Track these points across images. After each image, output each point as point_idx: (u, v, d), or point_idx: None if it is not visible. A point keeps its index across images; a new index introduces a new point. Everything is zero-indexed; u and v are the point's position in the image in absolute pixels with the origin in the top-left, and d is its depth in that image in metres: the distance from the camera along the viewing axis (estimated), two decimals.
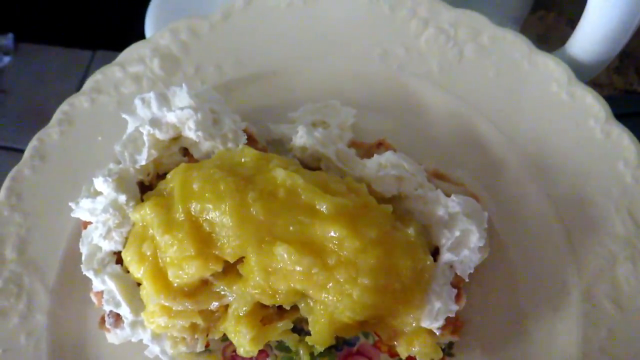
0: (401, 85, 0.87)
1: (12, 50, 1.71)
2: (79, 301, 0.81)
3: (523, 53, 0.82)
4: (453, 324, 0.69)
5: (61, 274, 0.82)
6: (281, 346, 0.75)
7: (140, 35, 1.05)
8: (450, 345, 0.73)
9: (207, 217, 0.67)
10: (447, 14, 0.87)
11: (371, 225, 0.64)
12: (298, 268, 0.62)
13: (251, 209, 0.64)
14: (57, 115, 0.91)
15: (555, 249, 0.74)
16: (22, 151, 0.86)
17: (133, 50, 0.95)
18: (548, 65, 0.81)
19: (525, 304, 0.73)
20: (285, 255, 0.62)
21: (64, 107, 0.92)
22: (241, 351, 0.71)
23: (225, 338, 0.74)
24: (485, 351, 0.72)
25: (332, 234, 0.63)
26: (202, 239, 0.66)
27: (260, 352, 0.75)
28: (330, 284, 0.63)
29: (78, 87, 0.92)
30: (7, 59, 1.66)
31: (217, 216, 0.66)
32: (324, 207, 0.64)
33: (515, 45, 0.83)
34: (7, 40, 1.69)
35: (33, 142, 0.90)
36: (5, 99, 1.64)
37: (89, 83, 0.93)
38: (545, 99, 0.80)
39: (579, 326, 0.69)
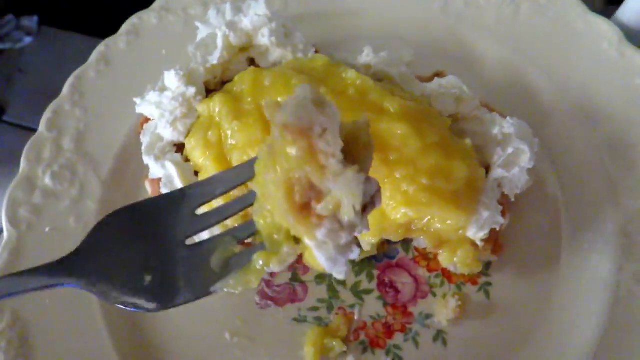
0: (458, 35, 0.92)
1: (34, 32, 1.76)
2: (128, 192, 0.84)
3: (578, 13, 0.87)
4: (494, 243, 0.72)
5: (114, 167, 0.85)
6: None
7: None
8: (488, 265, 0.75)
9: None
10: None
11: (432, 130, 0.68)
12: None
13: None
14: (126, 26, 0.96)
15: (596, 188, 0.77)
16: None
17: None
18: (601, 26, 0.86)
19: (563, 236, 0.76)
20: None
21: (133, 19, 0.96)
22: None
23: None
24: (520, 274, 0.74)
25: (398, 131, 0.66)
26: (268, 127, 0.69)
27: (302, 256, 0.78)
28: (387, 180, 0.66)
29: None
30: (28, 40, 1.72)
31: None
32: (392, 106, 0.67)
33: (571, 6, 0.88)
34: (32, 21, 1.75)
35: (100, 47, 0.94)
36: (21, 78, 1.69)
37: (158, 2, 0.98)
38: (596, 56, 0.85)
39: (615, 258, 0.72)
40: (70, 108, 0.89)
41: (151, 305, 0.51)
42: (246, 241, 0.56)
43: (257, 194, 0.54)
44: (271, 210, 0.52)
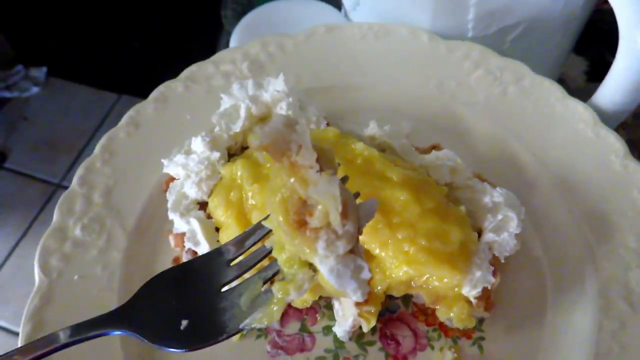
0: (451, 111, 1.03)
1: (42, 82, 1.84)
2: (151, 244, 0.92)
3: (557, 97, 0.99)
4: (486, 301, 0.79)
5: (139, 220, 0.93)
6: (329, 305, 0.85)
7: None
8: (481, 321, 0.82)
9: None
10: (495, 60, 1.05)
11: (430, 197, 0.77)
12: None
13: None
14: (154, 94, 1.07)
15: (576, 254, 0.86)
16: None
17: (226, 54, 1.12)
18: (577, 108, 0.97)
19: (548, 295, 0.84)
20: None
21: (161, 88, 1.07)
22: (297, 302, 0.81)
23: None
24: (510, 329, 0.81)
25: (400, 197, 0.75)
26: None
27: (310, 308, 0.85)
28: (391, 241, 0.75)
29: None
30: (35, 90, 1.81)
31: None
32: (394, 175, 0.77)
33: (551, 91, 1.00)
34: (40, 72, 1.84)
35: (130, 112, 1.04)
36: (26, 126, 1.76)
37: (185, 73, 1.10)
38: (573, 135, 0.96)
39: (594, 317, 0.79)
40: (101, 166, 0.98)
41: (187, 345, 0.58)
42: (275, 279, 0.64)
43: (273, 232, 0.61)
44: (282, 241, 0.60)
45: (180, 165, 0.88)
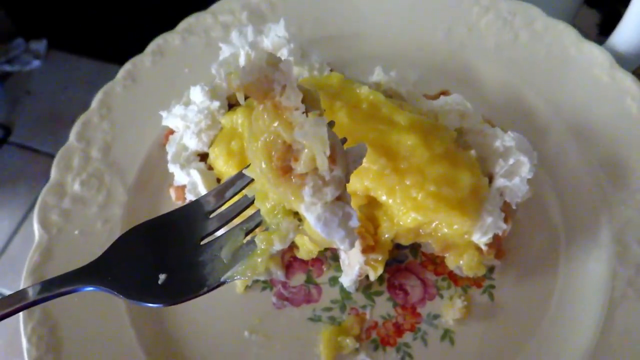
0: (460, 58, 0.99)
1: (42, 55, 1.82)
2: (152, 199, 0.90)
3: (571, 40, 0.95)
4: (497, 249, 0.77)
5: (139, 174, 0.91)
6: (335, 257, 0.83)
7: None
8: (491, 269, 0.80)
9: None
10: (506, 3, 1.00)
11: (439, 142, 0.74)
12: (374, 167, 0.71)
13: (337, 115, 0.74)
14: (151, 46, 1.03)
15: (590, 200, 0.83)
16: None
17: (224, 3, 1.08)
18: (593, 51, 0.93)
19: (561, 242, 0.81)
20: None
21: (158, 40, 1.03)
22: (303, 253, 0.79)
23: None
24: (521, 277, 0.79)
25: (408, 142, 0.72)
26: None
27: (316, 260, 0.83)
28: (398, 187, 0.72)
29: None
30: (36, 63, 1.78)
31: None
32: (402, 119, 0.73)
33: (565, 34, 0.96)
34: (40, 45, 1.81)
35: (127, 65, 1.01)
36: (28, 100, 1.74)
37: (182, 24, 1.05)
38: (588, 79, 0.91)
39: (609, 264, 0.77)
40: (98, 121, 0.95)
41: (165, 300, 0.55)
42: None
43: (255, 181, 0.57)
44: (265, 190, 0.55)
45: (179, 117, 0.85)
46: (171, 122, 0.87)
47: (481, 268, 0.76)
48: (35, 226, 0.84)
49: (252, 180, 0.59)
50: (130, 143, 0.94)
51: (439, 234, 0.75)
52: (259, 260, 0.55)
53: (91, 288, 0.56)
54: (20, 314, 0.76)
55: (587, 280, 0.78)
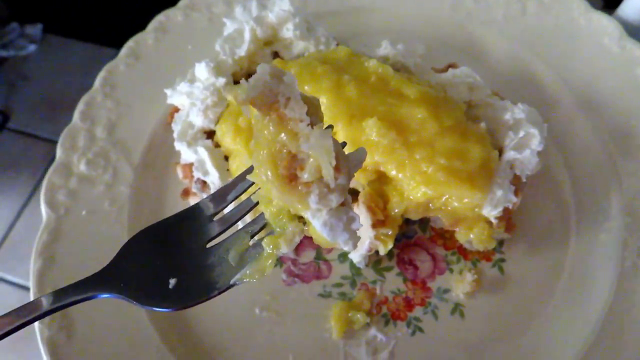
0: (468, 31, 0.97)
1: (38, 40, 1.80)
2: (159, 177, 0.89)
3: (580, 11, 0.93)
4: (507, 222, 0.77)
5: (145, 153, 0.90)
6: None
7: None
8: (501, 243, 0.80)
9: None
10: None
11: (449, 114, 0.73)
12: (383, 141, 0.70)
13: (345, 89, 0.73)
14: (153, 24, 1.01)
15: (601, 172, 0.82)
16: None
17: None
18: (602, 21, 0.91)
19: (571, 215, 0.81)
20: (374, 129, 0.70)
21: (160, 17, 1.02)
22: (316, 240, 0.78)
23: None
24: (531, 251, 0.79)
25: (418, 115, 0.71)
26: None
27: None
28: (407, 161, 0.71)
29: None
30: (32, 47, 1.76)
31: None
32: (411, 92, 0.73)
33: (574, 4, 0.94)
34: (36, 29, 1.79)
35: (129, 43, 0.99)
36: (25, 85, 1.72)
37: (183, 1, 1.04)
38: (598, 49, 0.90)
39: (619, 235, 0.77)
40: (102, 100, 0.94)
41: (177, 305, 0.56)
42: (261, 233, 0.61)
43: (259, 186, 0.58)
44: (270, 196, 0.57)
45: (184, 94, 0.84)
46: (176, 100, 0.86)
47: (491, 241, 0.75)
48: (43, 207, 0.84)
49: (253, 183, 0.59)
50: (135, 121, 0.93)
51: (449, 208, 0.75)
52: (267, 263, 0.56)
53: (105, 295, 0.56)
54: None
55: (597, 252, 0.78)
